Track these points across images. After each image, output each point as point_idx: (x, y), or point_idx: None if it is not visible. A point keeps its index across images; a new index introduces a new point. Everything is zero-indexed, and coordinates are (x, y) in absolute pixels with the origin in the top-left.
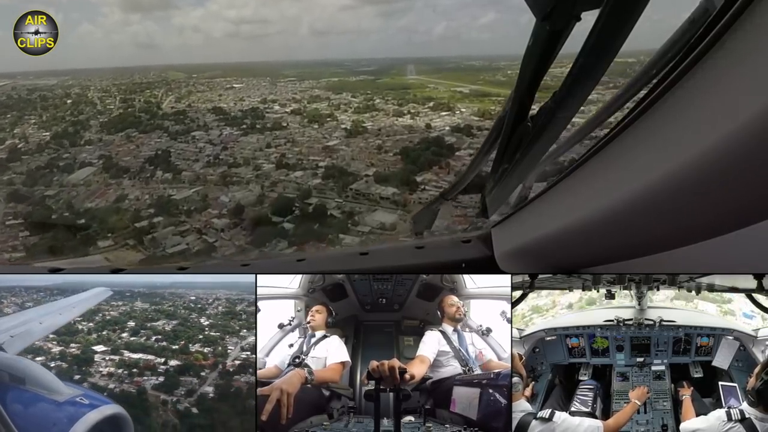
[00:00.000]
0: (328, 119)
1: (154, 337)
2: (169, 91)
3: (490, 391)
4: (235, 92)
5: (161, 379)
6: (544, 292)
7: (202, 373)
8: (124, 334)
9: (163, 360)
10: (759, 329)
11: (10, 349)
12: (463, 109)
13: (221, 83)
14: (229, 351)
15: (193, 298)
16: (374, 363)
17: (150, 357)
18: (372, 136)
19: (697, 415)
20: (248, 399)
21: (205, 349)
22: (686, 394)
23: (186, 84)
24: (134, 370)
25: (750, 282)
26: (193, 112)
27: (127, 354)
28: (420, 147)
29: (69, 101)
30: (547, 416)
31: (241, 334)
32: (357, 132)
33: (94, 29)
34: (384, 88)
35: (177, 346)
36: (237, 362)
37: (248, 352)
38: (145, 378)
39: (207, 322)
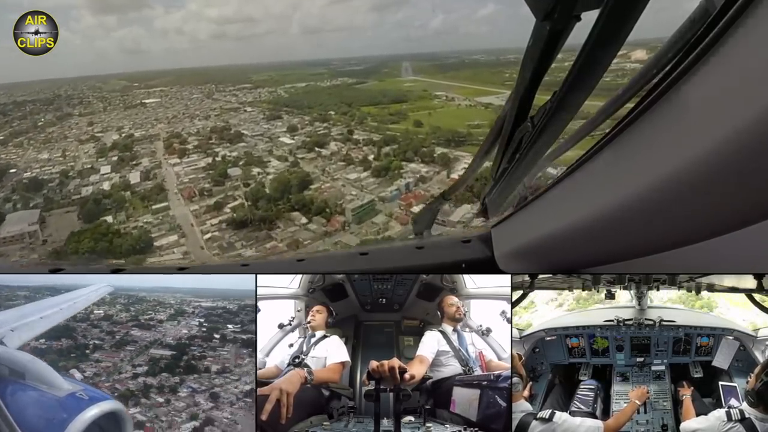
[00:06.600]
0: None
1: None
2: (26, 118)
3: (490, 392)
4: (130, 115)
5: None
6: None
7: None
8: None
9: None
10: (759, 329)
11: (11, 343)
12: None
13: (138, 96)
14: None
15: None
16: (374, 363)
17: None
18: None
19: (697, 415)
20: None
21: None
22: (686, 394)
23: (80, 101)
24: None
25: (750, 282)
26: None
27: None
28: None
29: None
30: (547, 416)
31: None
32: None
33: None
34: (364, 101)
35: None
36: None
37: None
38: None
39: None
